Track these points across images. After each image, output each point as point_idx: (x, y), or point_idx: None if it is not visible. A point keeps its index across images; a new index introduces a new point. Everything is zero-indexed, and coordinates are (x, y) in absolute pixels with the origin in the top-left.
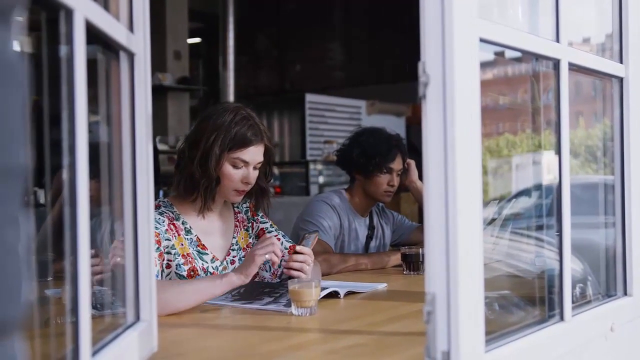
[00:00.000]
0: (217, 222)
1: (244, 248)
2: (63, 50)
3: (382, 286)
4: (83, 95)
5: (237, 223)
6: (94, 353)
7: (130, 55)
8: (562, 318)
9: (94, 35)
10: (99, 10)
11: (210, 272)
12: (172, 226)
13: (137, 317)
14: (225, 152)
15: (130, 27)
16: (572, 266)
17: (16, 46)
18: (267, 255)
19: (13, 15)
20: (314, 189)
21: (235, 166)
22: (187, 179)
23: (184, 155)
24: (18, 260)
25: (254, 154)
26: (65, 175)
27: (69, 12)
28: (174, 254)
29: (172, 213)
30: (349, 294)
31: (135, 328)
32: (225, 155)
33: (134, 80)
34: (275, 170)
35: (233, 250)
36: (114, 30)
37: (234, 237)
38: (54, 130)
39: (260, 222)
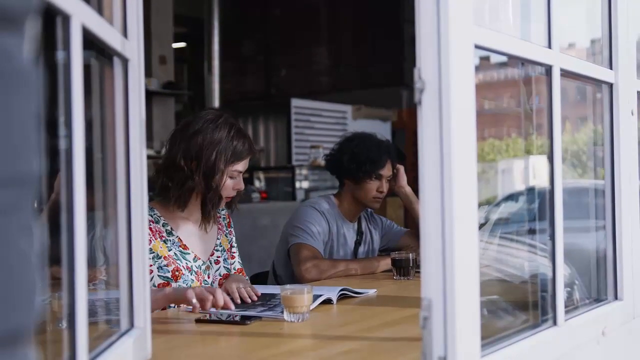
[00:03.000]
0: (198, 224)
1: (227, 250)
2: (59, 55)
3: (372, 292)
4: (80, 100)
5: (220, 226)
6: None
7: (124, 61)
8: (555, 322)
9: (88, 41)
10: (95, 16)
11: (194, 271)
12: (149, 230)
13: (132, 324)
14: (228, 166)
15: (124, 33)
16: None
17: (28, 53)
18: (194, 300)
19: (25, 23)
20: (300, 194)
21: (231, 177)
22: (186, 193)
23: (184, 170)
24: (32, 268)
25: (247, 163)
26: (62, 181)
27: (66, 18)
28: (153, 258)
29: (152, 216)
30: (342, 297)
31: (129, 335)
32: (227, 170)
33: (127, 85)
34: (261, 176)
35: (217, 250)
36: (109, 36)
37: (218, 239)
38: (49, 136)
39: (233, 235)
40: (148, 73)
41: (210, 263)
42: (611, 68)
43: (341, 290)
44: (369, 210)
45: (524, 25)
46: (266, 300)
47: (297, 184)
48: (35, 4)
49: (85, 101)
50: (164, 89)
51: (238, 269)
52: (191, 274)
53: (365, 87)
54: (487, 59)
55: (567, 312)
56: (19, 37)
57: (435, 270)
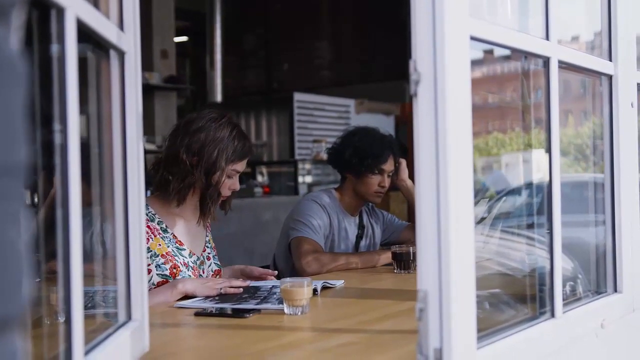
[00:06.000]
0: (191, 221)
1: (213, 247)
2: (54, 48)
3: (340, 282)
4: (74, 94)
5: (208, 224)
6: (87, 352)
7: (121, 54)
8: (553, 315)
9: (84, 34)
10: (90, 8)
11: (190, 267)
12: (147, 228)
13: (129, 317)
14: (229, 165)
15: (121, 26)
16: (562, 264)
17: (15, 44)
18: (222, 290)
19: (12, 13)
20: (302, 189)
21: (229, 176)
22: (186, 188)
23: (185, 165)
24: (19, 257)
25: (245, 164)
26: (57, 175)
27: (60, 11)
28: (151, 256)
29: (147, 215)
30: (324, 289)
31: (127, 327)
32: (227, 169)
33: (124, 79)
34: (264, 170)
35: (208, 247)
36: (105, 29)
37: (207, 236)
38: (44, 130)
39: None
40: (150, 67)
41: (204, 258)
42: (610, 60)
43: (323, 283)
44: (370, 204)
45: (522, 20)
46: (253, 293)
47: (300, 179)
48: None
49: (82, 95)
50: (165, 83)
51: (215, 270)
52: (188, 270)
53: (367, 81)
54: (490, 52)
55: (565, 304)
56: (5, 27)
57: (431, 261)
